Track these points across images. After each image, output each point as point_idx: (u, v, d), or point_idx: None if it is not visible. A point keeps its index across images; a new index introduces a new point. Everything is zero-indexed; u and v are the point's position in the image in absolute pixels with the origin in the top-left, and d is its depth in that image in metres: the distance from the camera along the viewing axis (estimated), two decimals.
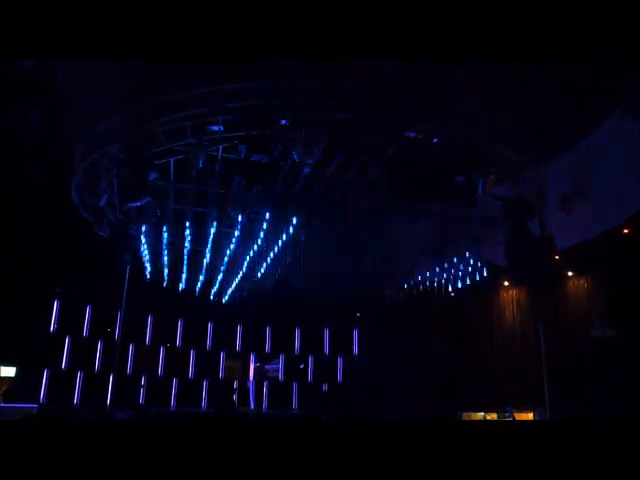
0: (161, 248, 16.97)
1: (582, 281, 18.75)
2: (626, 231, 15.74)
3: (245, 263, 18.03)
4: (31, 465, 4.14)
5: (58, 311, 21.79)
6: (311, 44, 4.78)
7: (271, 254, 17.07)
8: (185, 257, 17.13)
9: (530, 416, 17.63)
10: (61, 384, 21.20)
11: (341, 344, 26.58)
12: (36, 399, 19.88)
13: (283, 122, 11.53)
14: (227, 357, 25.36)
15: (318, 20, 4.62)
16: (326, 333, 26.68)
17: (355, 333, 26.85)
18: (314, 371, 25.90)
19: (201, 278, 19.29)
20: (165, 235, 15.94)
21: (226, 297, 21.00)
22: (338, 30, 4.68)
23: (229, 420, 15.17)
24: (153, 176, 12.28)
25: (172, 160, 12.77)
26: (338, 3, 4.57)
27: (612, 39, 4.54)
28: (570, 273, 18.95)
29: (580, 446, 4.23)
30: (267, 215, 14.87)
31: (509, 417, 17.63)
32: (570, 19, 4.51)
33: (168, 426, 4.77)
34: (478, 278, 16.74)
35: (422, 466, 4.21)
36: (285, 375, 25.61)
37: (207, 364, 24.71)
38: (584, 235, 15.81)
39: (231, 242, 16.57)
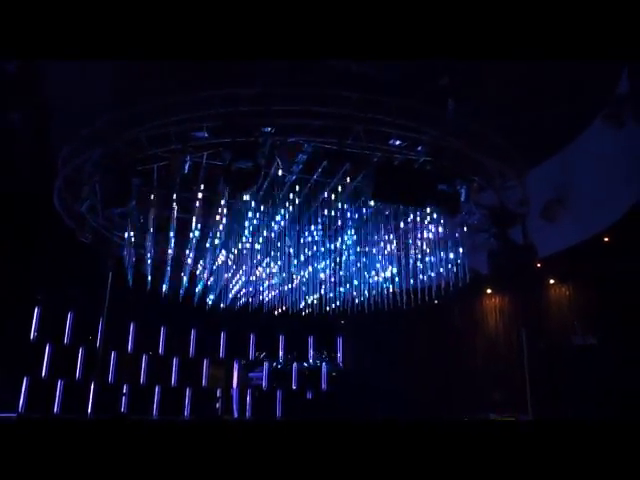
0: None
1: (564, 289, 18.91)
2: (607, 239, 15.92)
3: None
4: (28, 466, 4.09)
5: (38, 318, 21.45)
6: (307, 44, 4.75)
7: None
8: (169, 262, 16.96)
9: None
10: (41, 392, 20.87)
11: (325, 351, 26.54)
12: (15, 408, 19.58)
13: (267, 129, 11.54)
14: (210, 364, 25.16)
15: (314, 20, 4.59)
16: (310, 340, 26.64)
17: (339, 340, 26.84)
18: (298, 378, 25.77)
19: (185, 284, 19.14)
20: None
21: (209, 303, 20.83)
22: (335, 30, 4.65)
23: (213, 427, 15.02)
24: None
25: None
26: (336, 3, 4.54)
27: (611, 39, 4.55)
28: (552, 281, 19.11)
29: (578, 446, 4.25)
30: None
31: None
32: (568, 19, 4.52)
33: (158, 430, 4.73)
34: (461, 285, 16.80)
35: (418, 467, 4.21)
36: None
37: (190, 372, 24.50)
38: (565, 243, 15.99)
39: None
